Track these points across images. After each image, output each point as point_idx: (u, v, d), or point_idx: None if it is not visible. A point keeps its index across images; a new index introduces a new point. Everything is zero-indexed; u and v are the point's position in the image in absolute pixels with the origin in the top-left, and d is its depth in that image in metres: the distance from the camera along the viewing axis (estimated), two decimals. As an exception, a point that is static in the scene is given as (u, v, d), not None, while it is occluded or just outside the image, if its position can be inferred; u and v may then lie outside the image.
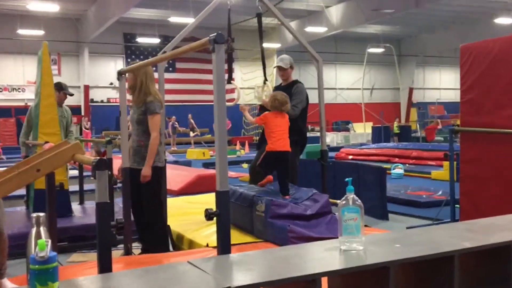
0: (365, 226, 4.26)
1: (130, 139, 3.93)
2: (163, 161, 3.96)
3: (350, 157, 14.48)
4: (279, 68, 5.06)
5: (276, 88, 5.30)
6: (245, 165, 13.12)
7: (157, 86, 4.10)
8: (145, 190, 3.83)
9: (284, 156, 4.37)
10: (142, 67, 3.60)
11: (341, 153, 14.88)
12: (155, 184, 3.86)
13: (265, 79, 5.32)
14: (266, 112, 4.44)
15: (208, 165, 13.13)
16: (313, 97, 5.43)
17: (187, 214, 5.49)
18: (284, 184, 4.37)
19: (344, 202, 1.84)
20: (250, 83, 26.95)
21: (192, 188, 8.22)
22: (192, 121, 22.33)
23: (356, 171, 6.44)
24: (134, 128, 3.91)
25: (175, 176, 8.41)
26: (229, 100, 4.91)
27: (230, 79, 4.99)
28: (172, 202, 6.18)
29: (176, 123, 21.15)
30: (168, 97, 28.61)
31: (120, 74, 3.70)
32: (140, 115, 3.86)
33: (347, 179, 1.86)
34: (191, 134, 22.24)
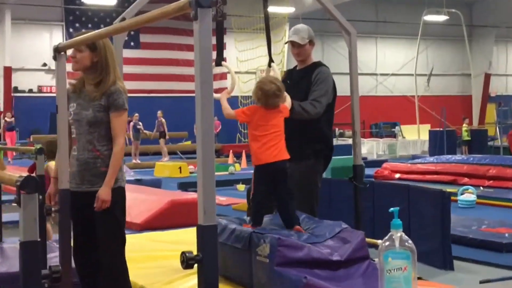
0: (419, 279, 4.24)
1: (74, 147, 3.93)
2: (125, 179, 3.97)
3: (397, 175, 14.50)
4: (293, 44, 5.09)
5: (288, 74, 5.32)
6: (241, 187, 13.13)
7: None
8: (102, 221, 3.82)
9: (282, 168, 4.35)
10: (99, 38, 3.60)
11: (384, 170, 14.91)
12: (119, 212, 3.88)
13: (271, 60, 5.34)
14: (255, 105, 4.39)
15: (186, 186, 13.17)
16: (342, 87, 5.46)
17: (155, 259, 5.48)
18: (287, 210, 4.36)
19: (387, 243, 1.84)
20: (249, 65, 27.04)
21: (162, 221, 8.24)
22: (162, 120, 22.29)
23: (406, 197, 6.45)
24: (82, 132, 3.88)
25: (138, 203, 8.42)
26: (218, 90, 4.93)
27: (220, 60, 5.02)
28: (132, 241, 6.15)
29: (140, 123, 21.14)
30: (128, 85, 28.74)
31: (59, 51, 3.71)
32: (97, 112, 3.85)
33: (392, 209, 1.86)
34: (161, 140, 22.20)
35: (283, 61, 22.43)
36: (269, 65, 5.34)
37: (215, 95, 4.65)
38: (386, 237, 1.81)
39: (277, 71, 5.46)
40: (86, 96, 3.92)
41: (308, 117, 4.84)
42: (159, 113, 22.19)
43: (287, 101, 4.65)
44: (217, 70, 4.77)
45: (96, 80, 3.89)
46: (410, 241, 1.79)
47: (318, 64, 5.13)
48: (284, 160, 4.37)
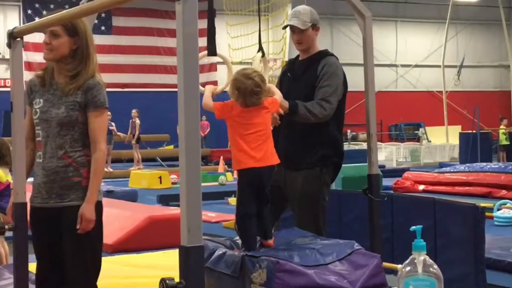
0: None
1: (39, 153, 3.86)
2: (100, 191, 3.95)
3: (421, 187, 14.51)
4: (293, 29, 5.10)
5: (290, 65, 5.32)
6: (233, 200, 13.11)
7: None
8: (75, 245, 3.77)
9: (268, 176, 4.35)
10: (60, 21, 3.55)
11: (405, 181, 14.93)
12: (95, 233, 3.82)
13: (260, 50, 5.30)
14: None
15: (167, 199, 13.17)
16: (355, 81, 5.46)
17: (130, 287, 5.47)
18: (263, 219, 4.38)
19: (408, 268, 1.84)
20: (244, 54, 27.00)
21: (139, 241, 8.26)
22: (137, 121, 22.22)
23: (432, 213, 6.44)
24: (51, 134, 3.81)
25: (110, 220, 8.36)
26: (206, 84, 4.91)
27: (213, 48, 4.99)
28: (102, 266, 6.15)
29: (112, 124, 21.14)
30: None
31: (14, 36, 3.72)
32: (71, 110, 3.80)
33: (414, 227, 1.87)
34: (134, 144, 22.08)
35: (285, 50, 22.41)
36: (210, 53, 5.24)
37: (201, 89, 4.66)
38: (407, 261, 1.81)
39: (267, 63, 5.44)
40: (57, 91, 3.84)
41: (315, 121, 4.85)
42: (134, 112, 22.16)
43: (276, 94, 4.65)
44: (205, 60, 4.80)
45: (73, 72, 3.82)
46: (435, 266, 1.79)
47: (325, 54, 5.13)
48: (271, 166, 4.36)
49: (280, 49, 24.43)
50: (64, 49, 3.79)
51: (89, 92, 3.79)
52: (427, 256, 1.80)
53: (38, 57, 26.25)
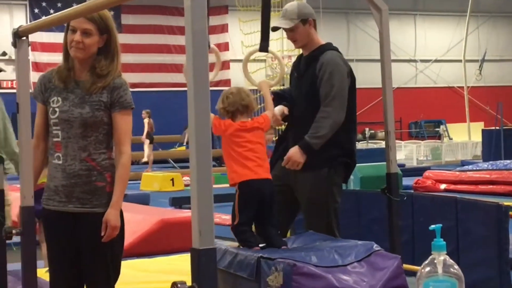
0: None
1: (57, 155, 3.79)
2: None
3: (443, 186, 14.46)
4: (284, 29, 5.08)
5: (297, 61, 5.31)
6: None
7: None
8: (96, 252, 3.74)
9: (269, 187, 4.50)
10: (67, 20, 3.55)
11: (426, 180, 14.89)
12: (118, 241, 3.80)
13: (263, 45, 5.22)
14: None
15: (180, 202, 13.21)
16: (373, 77, 5.45)
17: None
18: (271, 232, 4.52)
19: (428, 269, 1.83)
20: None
21: (151, 245, 8.25)
22: (145, 120, 22.12)
23: (453, 212, 6.42)
24: (72, 135, 3.74)
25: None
26: (219, 83, 4.92)
27: (266, 45, 4.97)
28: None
29: None
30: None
31: (20, 35, 3.73)
32: (96, 110, 3.74)
33: (433, 226, 1.86)
34: (146, 145, 22.06)
35: (282, 50, 22.37)
36: (262, 50, 5.23)
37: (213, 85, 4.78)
38: (426, 262, 1.81)
39: (280, 59, 5.44)
40: (78, 89, 3.78)
41: (335, 129, 4.87)
42: (143, 112, 22.12)
43: (269, 106, 4.76)
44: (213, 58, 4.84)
45: (105, 71, 3.79)
46: (456, 266, 1.79)
47: (324, 49, 5.09)
48: (269, 179, 4.52)
49: (280, 47, 24.35)
50: (94, 47, 3.78)
51: (116, 92, 3.76)
52: (447, 256, 1.79)
53: (45, 57, 26.42)
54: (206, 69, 2.30)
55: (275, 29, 5.10)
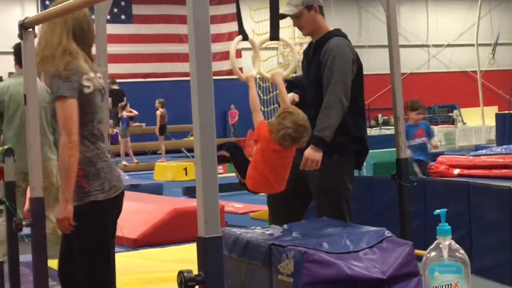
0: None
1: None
2: (114, 187, 3.87)
3: (457, 171, 14.41)
4: (290, 17, 5.06)
5: (307, 48, 5.28)
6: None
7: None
8: (76, 246, 3.83)
9: None
10: (73, 10, 3.55)
11: (440, 165, 14.85)
12: (87, 236, 3.82)
13: (273, 33, 5.18)
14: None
15: (193, 191, 13.18)
16: (384, 63, 5.42)
17: (153, 282, 5.54)
18: None
19: (433, 253, 1.82)
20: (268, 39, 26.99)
21: (163, 235, 8.30)
22: (158, 112, 21.99)
23: (466, 197, 6.41)
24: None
25: (133, 214, 8.46)
26: (231, 71, 4.87)
27: (276, 34, 4.92)
28: (126, 261, 6.19)
29: (130, 113, 20.99)
30: (119, 67, 28.81)
31: (26, 27, 3.73)
32: (52, 101, 3.84)
33: (438, 211, 1.85)
34: (158, 136, 22.00)
35: (294, 37, 22.27)
36: (272, 38, 5.17)
37: (241, 76, 4.74)
38: (432, 246, 1.80)
39: (293, 47, 5.41)
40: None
41: (342, 114, 4.84)
42: (156, 102, 22.09)
43: (283, 97, 4.76)
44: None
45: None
46: (461, 251, 1.77)
47: (331, 35, 5.05)
48: None
49: (291, 34, 24.29)
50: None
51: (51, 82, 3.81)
52: (453, 241, 1.78)
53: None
54: (209, 57, 2.29)
55: (283, 16, 5.07)
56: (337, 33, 5.09)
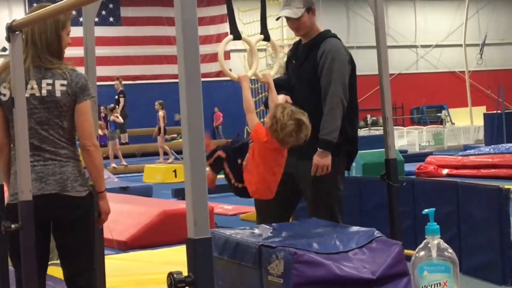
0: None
1: None
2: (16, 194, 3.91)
3: (445, 171, 14.44)
4: (288, 18, 5.05)
5: (294, 51, 5.28)
6: (250, 192, 13.05)
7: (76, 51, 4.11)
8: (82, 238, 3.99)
9: None
10: (60, 12, 3.55)
11: (428, 165, 14.88)
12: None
13: (264, 32, 5.16)
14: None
15: (183, 193, 13.07)
16: (373, 64, 5.43)
17: (143, 284, 5.54)
18: None
19: (422, 253, 1.83)
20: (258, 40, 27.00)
21: (153, 237, 8.27)
22: (160, 113, 21.73)
23: (454, 197, 6.43)
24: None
25: (123, 216, 8.45)
26: (220, 73, 4.87)
27: (266, 32, 4.89)
28: (116, 263, 6.19)
29: (116, 117, 20.71)
30: (107, 70, 28.75)
31: (13, 29, 3.72)
32: None
33: (426, 210, 1.86)
34: (159, 137, 21.68)
35: (282, 38, 22.26)
36: (265, 39, 5.16)
37: (232, 75, 4.71)
38: (421, 246, 1.81)
39: (277, 48, 5.41)
40: None
41: (340, 121, 4.88)
42: (156, 104, 21.91)
43: (273, 98, 4.75)
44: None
45: None
46: (450, 250, 1.78)
47: (324, 36, 5.08)
48: None
49: (279, 36, 24.28)
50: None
51: None
52: (441, 240, 1.78)
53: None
54: (197, 59, 2.29)
55: (279, 18, 5.10)
56: (330, 34, 5.12)
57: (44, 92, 3.91)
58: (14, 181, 3.89)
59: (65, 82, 3.94)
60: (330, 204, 4.98)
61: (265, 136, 4.41)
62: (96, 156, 3.97)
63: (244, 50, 27.38)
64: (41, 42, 3.93)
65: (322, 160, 4.84)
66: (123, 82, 24.73)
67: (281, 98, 4.95)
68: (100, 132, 18.58)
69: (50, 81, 3.93)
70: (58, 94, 3.93)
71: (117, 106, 21.05)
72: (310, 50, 5.03)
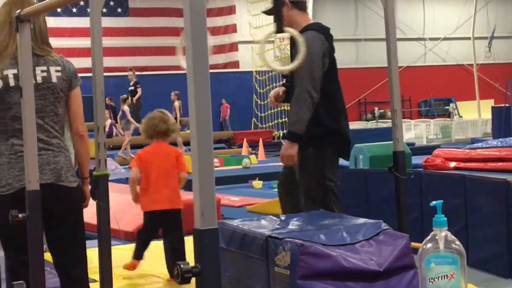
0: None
1: None
2: (8, 185, 3.96)
3: (453, 164, 14.43)
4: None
5: (292, 41, 5.30)
6: (257, 183, 13.10)
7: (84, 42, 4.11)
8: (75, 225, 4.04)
9: (169, 218, 5.38)
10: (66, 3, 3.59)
11: (436, 158, 14.87)
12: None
13: (278, 26, 5.16)
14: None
15: (189, 183, 13.14)
16: (382, 56, 5.42)
17: (149, 275, 5.48)
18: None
19: (429, 245, 1.82)
20: (265, 32, 26.99)
21: (160, 228, 8.24)
22: (176, 103, 21.77)
23: (462, 190, 6.43)
24: None
25: (129, 207, 8.41)
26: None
27: (280, 26, 4.87)
28: (121, 253, 6.20)
29: (125, 109, 20.70)
30: (115, 61, 28.78)
31: (21, 19, 3.72)
32: None
33: (434, 202, 1.85)
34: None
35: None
36: (278, 31, 5.16)
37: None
38: (428, 238, 1.80)
39: (298, 38, 5.40)
40: None
41: (313, 104, 4.86)
42: (172, 94, 21.86)
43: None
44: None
45: None
46: (457, 242, 1.77)
47: (305, 29, 5.08)
48: (172, 210, 5.58)
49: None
50: None
51: None
52: (449, 232, 1.78)
53: (53, 42, 26.34)
54: (206, 50, 2.29)
55: (267, 12, 5.13)
56: (312, 27, 5.11)
57: (39, 79, 3.93)
58: (3, 172, 3.91)
59: (59, 68, 3.99)
60: (320, 195, 4.98)
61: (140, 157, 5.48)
62: (87, 141, 4.08)
63: (252, 42, 27.44)
64: (35, 29, 3.95)
65: (285, 151, 4.89)
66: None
67: (273, 91, 5.05)
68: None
69: (44, 68, 3.97)
70: (54, 79, 3.97)
71: (129, 97, 20.96)
72: (293, 44, 5.03)
